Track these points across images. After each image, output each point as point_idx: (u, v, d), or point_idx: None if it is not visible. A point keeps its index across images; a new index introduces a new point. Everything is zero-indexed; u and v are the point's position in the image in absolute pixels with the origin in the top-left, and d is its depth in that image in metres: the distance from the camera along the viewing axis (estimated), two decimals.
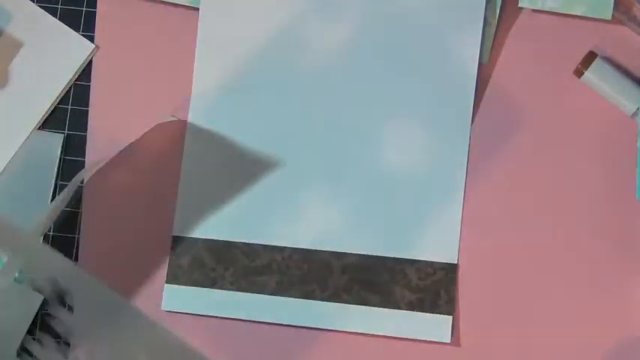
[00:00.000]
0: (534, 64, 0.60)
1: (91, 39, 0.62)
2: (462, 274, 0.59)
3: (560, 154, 0.59)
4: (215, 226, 0.60)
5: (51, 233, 0.61)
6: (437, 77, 0.60)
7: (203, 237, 0.60)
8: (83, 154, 0.61)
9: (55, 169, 0.61)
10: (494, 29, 0.60)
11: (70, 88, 0.62)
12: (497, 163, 0.60)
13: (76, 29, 0.62)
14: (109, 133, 0.61)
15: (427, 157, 0.59)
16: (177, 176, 0.61)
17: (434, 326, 0.56)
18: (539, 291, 0.58)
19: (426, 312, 0.58)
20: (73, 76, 0.62)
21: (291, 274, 0.59)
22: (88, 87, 0.62)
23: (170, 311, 0.60)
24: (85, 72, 0.62)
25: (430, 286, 0.58)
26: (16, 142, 0.61)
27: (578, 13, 0.58)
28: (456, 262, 0.59)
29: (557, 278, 0.58)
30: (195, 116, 0.61)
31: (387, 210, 0.59)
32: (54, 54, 0.62)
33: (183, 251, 0.60)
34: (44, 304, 0.60)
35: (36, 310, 0.60)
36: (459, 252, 0.59)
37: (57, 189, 0.61)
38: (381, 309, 0.58)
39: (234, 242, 0.60)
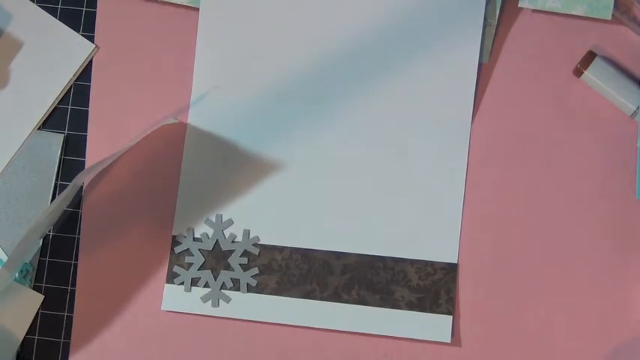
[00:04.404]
0: (534, 64, 0.60)
1: (91, 39, 0.62)
2: (461, 274, 0.59)
3: (560, 153, 0.59)
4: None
5: (51, 233, 0.61)
6: (437, 77, 0.60)
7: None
8: (83, 154, 0.61)
9: (55, 169, 0.61)
10: (494, 29, 0.60)
11: (70, 88, 0.62)
12: (497, 163, 0.60)
13: (76, 29, 0.62)
14: (109, 133, 0.61)
15: (427, 156, 0.59)
16: (177, 176, 0.61)
17: (434, 326, 0.56)
18: (539, 290, 0.58)
19: (426, 312, 0.58)
20: (73, 76, 0.62)
21: (291, 274, 0.59)
22: (88, 87, 0.62)
23: (170, 311, 0.60)
24: (85, 72, 0.62)
25: (430, 286, 0.58)
26: (16, 142, 0.61)
27: (578, 13, 0.58)
28: (456, 262, 0.59)
29: (557, 278, 0.58)
30: (194, 116, 0.61)
31: (387, 210, 0.59)
32: (54, 54, 0.62)
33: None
34: (44, 303, 0.60)
35: (36, 310, 0.60)
36: (459, 252, 0.59)
37: (57, 189, 0.61)
38: (381, 309, 0.58)
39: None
